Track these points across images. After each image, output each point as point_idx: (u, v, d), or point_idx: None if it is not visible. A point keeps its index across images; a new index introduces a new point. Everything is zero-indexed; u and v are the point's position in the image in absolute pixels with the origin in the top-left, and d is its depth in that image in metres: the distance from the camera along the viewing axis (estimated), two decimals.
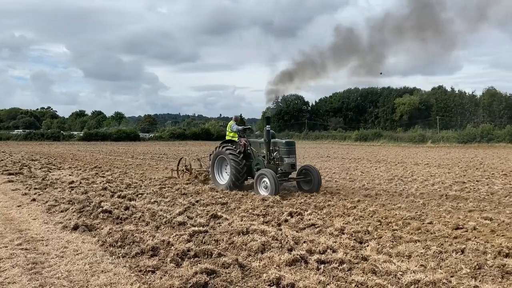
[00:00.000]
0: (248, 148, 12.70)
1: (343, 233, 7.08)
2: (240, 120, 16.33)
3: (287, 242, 6.31)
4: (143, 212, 8.66)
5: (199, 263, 5.39)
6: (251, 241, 6.38)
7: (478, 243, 6.42)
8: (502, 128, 52.05)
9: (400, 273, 5.06)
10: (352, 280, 4.85)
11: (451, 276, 5.11)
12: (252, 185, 11.83)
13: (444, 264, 5.58)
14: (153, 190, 11.91)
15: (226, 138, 13.23)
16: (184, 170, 15.17)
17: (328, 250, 5.94)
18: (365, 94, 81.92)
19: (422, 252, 6.04)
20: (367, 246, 6.39)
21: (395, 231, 7.32)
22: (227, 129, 13.49)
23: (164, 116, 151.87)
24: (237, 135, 13.09)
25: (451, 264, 5.56)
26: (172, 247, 6.12)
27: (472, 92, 70.52)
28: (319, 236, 6.90)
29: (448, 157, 28.21)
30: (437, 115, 67.41)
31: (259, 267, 5.36)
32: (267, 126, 12.10)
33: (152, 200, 10.15)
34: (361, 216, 8.59)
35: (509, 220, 8.34)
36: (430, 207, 9.81)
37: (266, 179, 11.10)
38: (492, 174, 17.24)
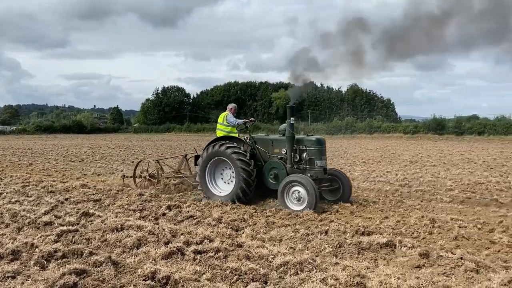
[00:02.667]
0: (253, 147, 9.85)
1: (221, 223, 7.26)
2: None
3: (164, 236, 6.25)
4: (1, 213, 7.78)
5: (68, 264, 5.04)
6: (126, 237, 6.17)
7: (340, 224, 7.14)
8: (363, 121, 58.19)
9: (272, 256, 5.38)
10: (227, 267, 5.01)
11: (316, 256, 5.60)
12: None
13: (311, 245, 6.09)
14: (14, 188, 10.71)
15: (219, 134, 10.25)
16: (147, 177, 11.41)
17: (205, 240, 6.03)
18: (244, 88, 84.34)
19: (291, 236, 6.51)
20: (243, 233, 6.67)
21: (268, 217, 7.76)
22: (220, 121, 10.35)
23: (28, 107, 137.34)
24: (236, 131, 10.33)
25: (316, 244, 6.10)
26: (37, 249, 5.62)
27: (338, 88, 77.25)
28: (197, 227, 6.97)
29: None
30: (309, 109, 72.52)
31: (134, 263, 5.23)
32: (291, 118, 9.21)
33: (13, 200, 9.13)
34: (238, 205, 8.89)
35: (365, 203, 9.43)
36: None
37: (300, 188, 8.39)
38: (354, 162, 19.22)
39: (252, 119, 10.72)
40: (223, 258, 5.39)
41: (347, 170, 15.69)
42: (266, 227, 7.05)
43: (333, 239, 6.25)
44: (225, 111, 10.56)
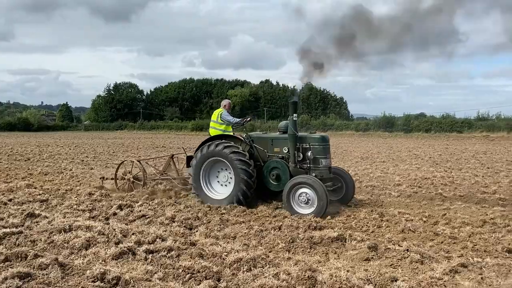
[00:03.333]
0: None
1: (174, 221, 7.16)
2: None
3: (114, 236, 6.07)
4: None
5: (11, 268, 4.79)
6: (74, 238, 5.94)
7: (293, 220, 7.25)
8: (317, 118, 59.40)
9: (225, 253, 5.37)
10: (180, 265, 4.95)
11: (269, 251, 5.67)
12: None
13: (264, 241, 6.15)
14: None
15: (213, 133, 9.49)
16: (131, 180, 10.51)
17: (158, 240, 5.92)
18: (200, 85, 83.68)
19: (246, 232, 6.53)
20: (196, 231, 6.62)
21: (223, 215, 7.74)
22: (214, 119, 9.61)
23: None
24: (231, 129, 9.62)
25: (269, 240, 6.16)
26: None
27: (294, 86, 78.39)
28: (149, 227, 6.83)
29: None
30: (265, 106, 73.12)
31: (83, 264, 5.05)
32: (294, 115, 8.69)
33: None
34: (193, 204, 8.80)
35: None
36: None
37: (308, 190, 7.84)
38: None
39: (249, 117, 10.14)
40: (176, 257, 5.32)
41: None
42: (220, 225, 7.03)
43: (286, 235, 6.33)
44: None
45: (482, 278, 4.78)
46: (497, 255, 5.60)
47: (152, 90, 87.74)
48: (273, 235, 6.40)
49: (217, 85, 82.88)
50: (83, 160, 18.52)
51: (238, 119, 9.55)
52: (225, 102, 9.83)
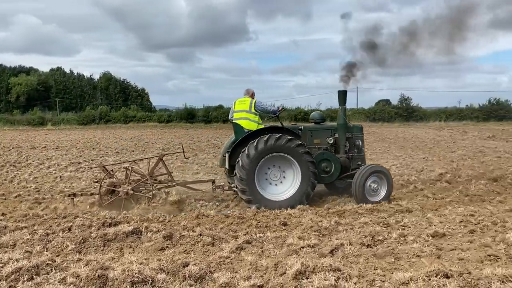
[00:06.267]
0: None
1: None
2: None
3: None
4: None
5: None
6: None
7: (85, 219, 6.82)
8: (118, 110, 57.03)
9: (1, 265, 4.69)
10: None
11: (57, 256, 5.20)
12: None
13: (51, 245, 5.62)
14: None
15: (247, 125, 8.26)
16: (129, 192, 7.99)
17: None
18: None
19: (28, 238, 5.84)
20: None
21: (0, 221, 6.74)
22: (246, 109, 8.33)
23: None
24: (261, 121, 8.51)
25: (57, 244, 5.66)
26: None
27: (91, 76, 73.28)
28: None
29: (68, 139, 28.32)
30: (57, 97, 66.33)
31: None
32: (344, 104, 9.02)
33: None
34: None
35: None
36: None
37: (377, 179, 8.24)
38: (106, 152, 18.66)
39: (282, 106, 9.18)
40: None
41: (98, 162, 15.11)
42: None
43: (76, 235, 5.90)
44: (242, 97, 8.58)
45: (262, 251, 5.42)
46: (275, 229, 6.43)
47: None
48: (62, 237, 5.89)
49: None
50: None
51: (274, 108, 8.65)
52: (250, 90, 8.79)
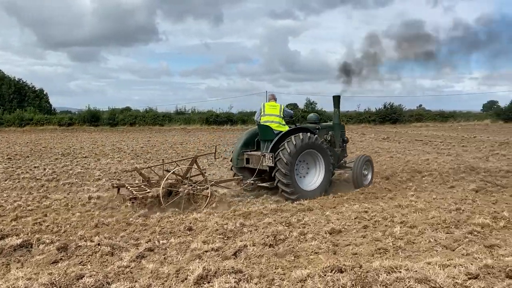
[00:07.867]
0: None
1: None
2: None
3: None
4: None
5: None
6: None
7: None
8: (12, 112, 52.10)
9: None
10: None
11: None
12: None
13: None
14: None
15: (279, 128, 9.39)
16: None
17: None
18: None
19: None
20: None
21: None
22: (276, 113, 9.49)
23: None
24: (284, 122, 9.68)
25: None
26: None
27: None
28: None
29: None
30: None
31: None
32: (338, 107, 10.97)
33: None
34: None
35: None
36: None
37: (367, 166, 10.61)
38: None
39: (298, 110, 11.16)
40: None
41: None
42: None
43: None
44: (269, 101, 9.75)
45: (165, 257, 5.28)
46: (180, 235, 6.31)
47: None
48: None
49: None
50: None
51: (292, 113, 9.91)
52: (275, 95, 9.96)
